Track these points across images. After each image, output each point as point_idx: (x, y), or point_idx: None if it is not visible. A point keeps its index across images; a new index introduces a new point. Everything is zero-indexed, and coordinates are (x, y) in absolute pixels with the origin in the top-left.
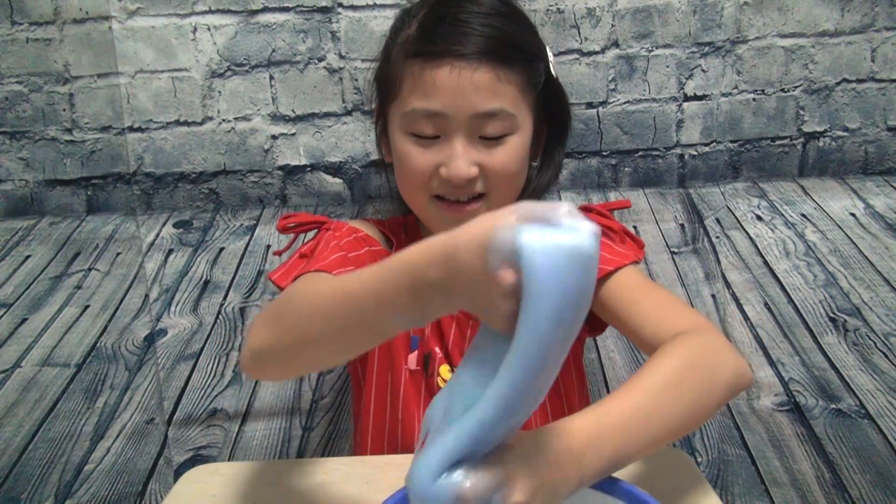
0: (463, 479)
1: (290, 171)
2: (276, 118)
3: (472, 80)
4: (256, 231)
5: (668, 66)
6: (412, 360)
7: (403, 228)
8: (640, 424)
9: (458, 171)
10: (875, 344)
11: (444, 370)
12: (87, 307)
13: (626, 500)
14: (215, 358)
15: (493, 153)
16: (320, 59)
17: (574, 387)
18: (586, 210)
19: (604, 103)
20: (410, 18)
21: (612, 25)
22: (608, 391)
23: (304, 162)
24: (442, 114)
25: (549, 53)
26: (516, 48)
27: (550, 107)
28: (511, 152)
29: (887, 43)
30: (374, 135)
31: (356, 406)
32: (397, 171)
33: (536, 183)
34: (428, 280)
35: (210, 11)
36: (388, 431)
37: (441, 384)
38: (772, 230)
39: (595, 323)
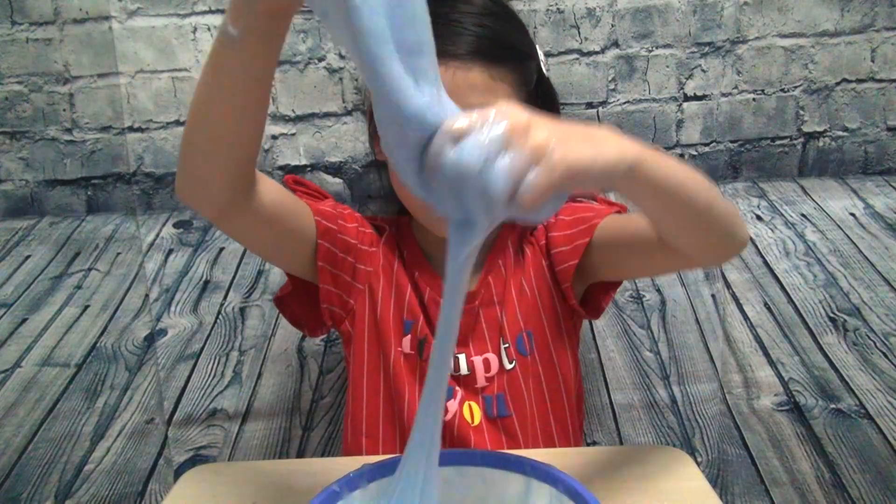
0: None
1: (290, 171)
2: (276, 118)
3: (466, 79)
4: None
5: (668, 66)
6: (406, 343)
7: (395, 227)
8: (671, 170)
9: None
10: (875, 344)
11: None
12: (87, 307)
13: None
14: (215, 358)
15: None
16: (320, 59)
17: (569, 363)
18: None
19: (604, 103)
20: None
21: (612, 25)
22: (608, 391)
23: (304, 162)
24: None
25: (540, 52)
26: (509, 48)
27: (542, 105)
28: None
29: (887, 43)
30: (368, 133)
31: (348, 391)
32: (392, 171)
33: None
34: None
35: (210, 11)
36: (382, 413)
37: None
38: (772, 230)
39: (592, 304)
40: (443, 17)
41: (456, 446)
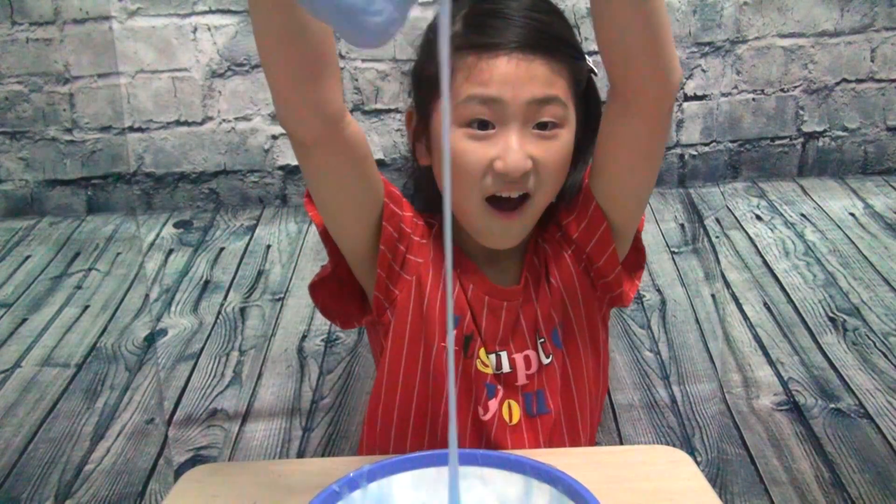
0: None
1: (291, 171)
2: (277, 118)
3: (528, 70)
4: (256, 231)
5: None
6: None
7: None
8: None
9: (515, 163)
10: (874, 343)
11: (483, 353)
12: (87, 307)
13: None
14: (215, 358)
15: (546, 147)
16: None
17: (593, 358)
18: None
19: (604, 103)
20: (453, 16)
21: None
22: (608, 391)
23: None
24: (499, 99)
25: (588, 58)
26: (566, 43)
27: (586, 111)
28: (562, 148)
29: (887, 43)
30: (406, 136)
31: (377, 382)
32: (436, 175)
33: (572, 179)
34: None
35: (210, 11)
36: (415, 407)
37: (480, 367)
38: (771, 230)
39: (624, 289)
40: (498, 12)
41: (491, 447)
